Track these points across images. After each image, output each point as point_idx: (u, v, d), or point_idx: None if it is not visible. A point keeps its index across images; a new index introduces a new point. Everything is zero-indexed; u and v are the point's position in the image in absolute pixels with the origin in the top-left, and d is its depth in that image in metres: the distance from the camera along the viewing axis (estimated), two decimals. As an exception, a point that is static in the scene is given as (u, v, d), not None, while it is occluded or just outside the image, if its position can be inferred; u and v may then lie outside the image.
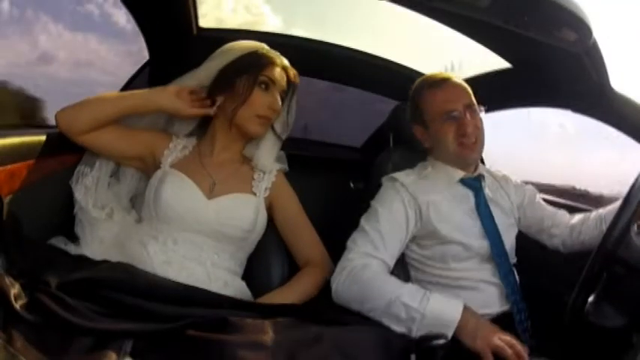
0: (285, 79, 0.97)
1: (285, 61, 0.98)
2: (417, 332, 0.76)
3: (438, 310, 0.77)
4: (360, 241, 0.92)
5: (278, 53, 0.98)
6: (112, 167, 0.99)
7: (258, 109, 0.92)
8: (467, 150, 0.98)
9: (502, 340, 0.73)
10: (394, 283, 0.84)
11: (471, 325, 0.76)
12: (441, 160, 1.05)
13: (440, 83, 1.01)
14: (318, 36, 1.38)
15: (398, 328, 0.77)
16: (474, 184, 1.04)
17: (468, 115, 0.97)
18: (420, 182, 1.00)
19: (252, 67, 0.93)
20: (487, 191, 1.05)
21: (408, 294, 0.79)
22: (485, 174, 1.08)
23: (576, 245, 1.04)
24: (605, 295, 0.71)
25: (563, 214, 1.09)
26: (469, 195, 1.02)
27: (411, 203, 0.98)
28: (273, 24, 1.52)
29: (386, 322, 0.78)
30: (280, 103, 0.95)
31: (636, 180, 0.71)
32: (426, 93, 1.02)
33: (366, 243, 0.91)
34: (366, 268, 0.86)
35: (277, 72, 0.95)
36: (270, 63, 0.94)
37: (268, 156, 1.00)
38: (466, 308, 0.77)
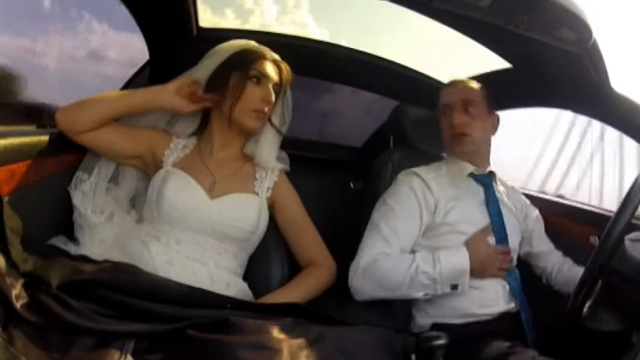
0: (276, 72, 0.97)
1: (276, 55, 0.99)
2: (441, 289, 0.90)
3: (450, 264, 0.90)
4: (374, 239, 0.96)
5: (268, 48, 0.98)
6: (110, 172, 0.98)
7: (252, 103, 0.92)
8: (456, 141, 1.05)
9: (499, 260, 0.95)
10: (405, 258, 0.92)
11: (478, 263, 0.92)
12: (453, 154, 1.10)
13: (451, 82, 1.11)
14: (363, 47, 1.39)
15: (423, 292, 0.90)
16: (485, 180, 1.08)
17: (461, 109, 1.04)
18: (437, 178, 1.04)
19: (243, 63, 0.94)
20: (497, 192, 1.09)
21: (422, 262, 0.89)
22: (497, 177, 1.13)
23: (556, 286, 1.08)
24: (601, 301, 0.71)
25: (556, 253, 1.11)
26: (480, 191, 1.06)
27: (427, 198, 1.00)
28: (318, 36, 1.53)
29: (413, 293, 0.89)
30: (274, 95, 0.95)
31: (629, 191, 0.71)
32: (445, 87, 1.12)
33: (380, 241, 0.95)
34: (377, 260, 0.92)
35: (268, 65, 0.95)
36: (259, 57, 0.95)
37: (269, 152, 1.00)
38: (468, 253, 0.92)
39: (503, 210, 1.05)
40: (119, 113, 0.93)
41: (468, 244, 0.95)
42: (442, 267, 0.89)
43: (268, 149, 1.00)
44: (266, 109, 0.94)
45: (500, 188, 1.12)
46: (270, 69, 0.95)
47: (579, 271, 1.00)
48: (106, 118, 0.91)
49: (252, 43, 0.98)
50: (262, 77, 0.94)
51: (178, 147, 0.97)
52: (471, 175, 1.07)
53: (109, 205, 0.96)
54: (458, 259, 0.91)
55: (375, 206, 1.03)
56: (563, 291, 1.04)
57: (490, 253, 0.95)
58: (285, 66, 0.99)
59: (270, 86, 0.94)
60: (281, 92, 1.00)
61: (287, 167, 1.04)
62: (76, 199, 0.93)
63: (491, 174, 1.10)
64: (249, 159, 1.00)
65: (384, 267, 0.91)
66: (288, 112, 1.04)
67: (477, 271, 0.92)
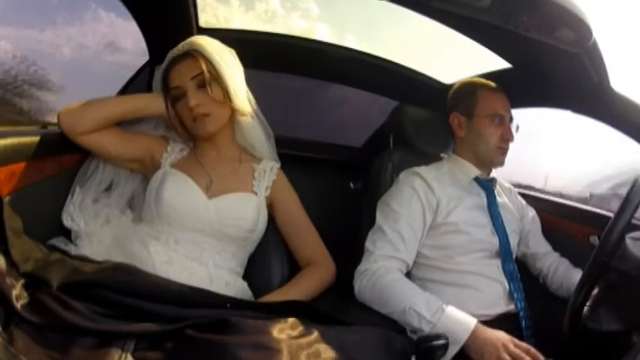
0: (192, 64, 0.90)
1: (190, 42, 0.93)
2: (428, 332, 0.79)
3: (448, 325, 0.79)
4: (379, 242, 0.95)
5: (188, 43, 0.93)
6: (102, 188, 0.99)
7: (186, 117, 0.93)
8: (502, 155, 1.07)
9: (511, 353, 0.74)
10: (411, 290, 0.87)
11: (479, 342, 0.77)
12: (463, 156, 1.10)
13: (500, 91, 1.10)
14: (368, 47, 1.38)
15: (410, 335, 0.80)
16: (488, 185, 1.09)
17: (510, 125, 1.07)
18: (438, 177, 1.04)
19: (164, 86, 0.95)
20: (498, 196, 1.10)
21: (423, 303, 0.82)
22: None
23: (551, 287, 1.08)
24: (602, 301, 0.71)
25: (552, 255, 1.11)
26: (482, 194, 1.07)
27: (429, 198, 1.00)
28: (325, 34, 1.53)
29: (402, 325, 0.82)
30: (194, 98, 0.89)
31: (630, 190, 0.70)
32: (487, 90, 1.10)
33: (386, 244, 0.94)
34: (387, 273, 0.90)
35: (177, 72, 0.92)
36: (169, 70, 0.93)
37: (253, 136, 1.01)
38: (476, 326, 0.79)
39: (503, 213, 1.06)
40: (122, 116, 0.94)
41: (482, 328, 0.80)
42: (440, 320, 0.79)
43: (254, 134, 1.00)
44: (200, 111, 0.90)
45: (499, 191, 1.12)
46: (180, 73, 0.91)
47: (573, 273, 1.01)
48: (108, 119, 0.92)
49: (174, 50, 0.94)
50: (178, 91, 0.92)
51: (176, 149, 0.98)
52: (475, 178, 1.08)
53: (102, 212, 0.96)
54: (460, 326, 0.79)
55: (378, 207, 1.03)
56: (557, 294, 1.04)
57: (500, 342, 0.76)
58: (200, 46, 0.91)
59: (190, 88, 0.90)
60: (218, 72, 0.91)
61: (277, 160, 1.05)
62: (66, 221, 0.93)
63: (493, 179, 1.11)
64: (246, 159, 1.01)
65: (387, 285, 0.88)
66: (236, 88, 0.94)
67: (475, 353, 0.77)
